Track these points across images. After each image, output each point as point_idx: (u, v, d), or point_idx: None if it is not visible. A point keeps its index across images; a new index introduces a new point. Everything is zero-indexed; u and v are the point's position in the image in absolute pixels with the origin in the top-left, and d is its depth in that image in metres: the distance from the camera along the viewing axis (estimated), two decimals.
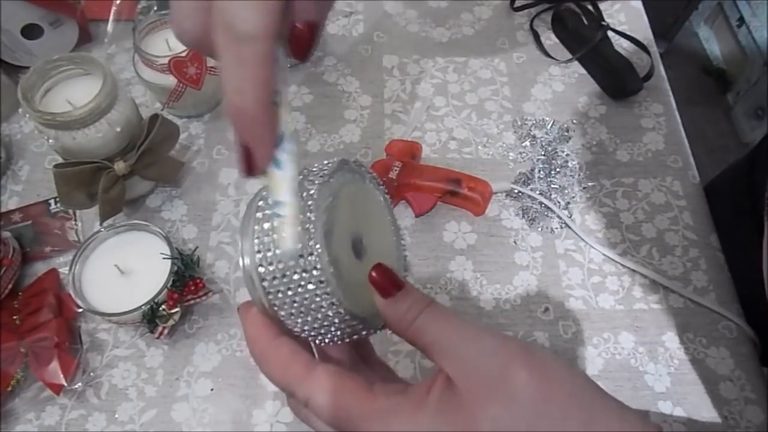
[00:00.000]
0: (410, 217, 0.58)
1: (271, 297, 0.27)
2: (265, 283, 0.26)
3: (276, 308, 0.27)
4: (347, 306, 0.26)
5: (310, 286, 0.25)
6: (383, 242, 0.32)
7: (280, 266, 0.26)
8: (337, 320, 0.26)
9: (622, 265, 0.55)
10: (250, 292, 0.27)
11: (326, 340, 0.28)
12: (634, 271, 0.55)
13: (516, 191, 0.59)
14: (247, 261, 0.27)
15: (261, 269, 0.26)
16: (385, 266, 0.27)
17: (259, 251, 0.26)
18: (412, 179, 0.57)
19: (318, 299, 0.26)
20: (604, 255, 0.56)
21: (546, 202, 0.58)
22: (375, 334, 0.29)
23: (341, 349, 0.32)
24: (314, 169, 0.28)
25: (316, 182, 0.27)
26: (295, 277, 0.26)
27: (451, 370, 0.25)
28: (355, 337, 0.28)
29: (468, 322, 0.26)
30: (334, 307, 0.26)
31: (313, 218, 0.25)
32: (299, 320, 0.27)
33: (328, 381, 0.26)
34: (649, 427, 0.24)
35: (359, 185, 0.31)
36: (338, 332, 0.27)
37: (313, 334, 0.28)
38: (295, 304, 0.26)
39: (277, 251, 0.26)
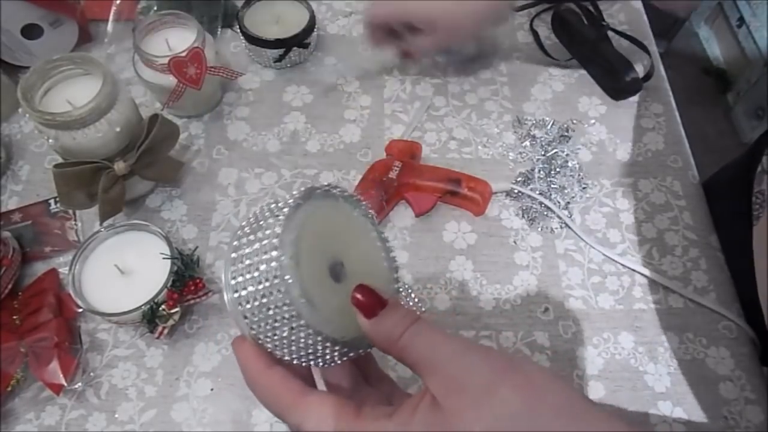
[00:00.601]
0: (410, 217, 0.58)
1: (254, 332, 0.28)
2: (247, 320, 0.27)
3: (261, 341, 0.28)
4: (328, 333, 0.27)
5: (285, 320, 0.26)
6: (368, 260, 0.32)
7: (256, 303, 0.27)
8: (319, 347, 0.27)
9: (622, 265, 0.55)
10: (238, 326, 0.28)
11: (319, 364, 0.29)
12: (634, 271, 0.55)
13: (516, 191, 0.59)
14: (229, 298, 0.28)
15: (240, 307, 0.27)
16: (367, 287, 0.28)
17: (236, 290, 0.27)
18: (412, 179, 0.57)
19: (294, 331, 0.26)
20: (604, 255, 0.56)
21: (546, 202, 0.58)
22: (365, 354, 0.30)
23: (341, 372, 0.32)
24: (280, 204, 0.29)
25: (281, 218, 0.27)
26: (271, 312, 0.26)
27: (436, 390, 0.25)
28: (345, 358, 0.29)
29: (453, 336, 0.26)
30: (312, 336, 0.26)
31: (279, 255, 0.26)
32: (285, 350, 0.28)
33: (317, 407, 0.27)
34: (640, 428, 0.25)
35: (331, 209, 0.31)
36: (326, 357, 0.28)
37: (303, 360, 0.28)
38: (276, 337, 0.27)
39: (250, 288, 0.27)
